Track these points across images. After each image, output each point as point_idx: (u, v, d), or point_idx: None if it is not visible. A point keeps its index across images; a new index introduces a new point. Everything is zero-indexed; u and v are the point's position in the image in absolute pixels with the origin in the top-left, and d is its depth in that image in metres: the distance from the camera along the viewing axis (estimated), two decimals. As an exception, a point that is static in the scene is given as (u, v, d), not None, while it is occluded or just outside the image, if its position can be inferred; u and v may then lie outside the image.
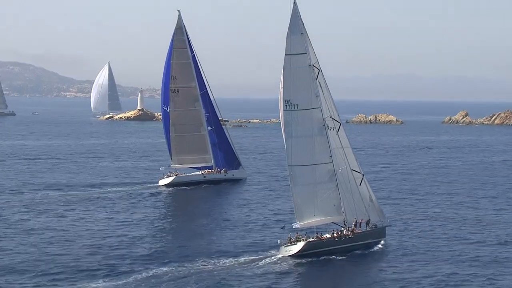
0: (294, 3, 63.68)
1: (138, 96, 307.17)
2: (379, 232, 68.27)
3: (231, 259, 62.03)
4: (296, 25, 63.59)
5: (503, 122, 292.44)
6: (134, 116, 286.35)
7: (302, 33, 63.81)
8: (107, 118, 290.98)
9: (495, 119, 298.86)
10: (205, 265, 60.13)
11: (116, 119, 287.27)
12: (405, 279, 57.70)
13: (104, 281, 55.86)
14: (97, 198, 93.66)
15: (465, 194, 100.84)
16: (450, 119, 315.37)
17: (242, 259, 61.99)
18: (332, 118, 65.35)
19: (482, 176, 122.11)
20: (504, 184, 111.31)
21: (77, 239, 69.50)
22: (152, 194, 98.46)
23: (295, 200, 65.44)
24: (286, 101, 63.67)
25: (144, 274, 57.59)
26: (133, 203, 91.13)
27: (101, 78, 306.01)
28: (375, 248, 66.62)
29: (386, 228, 69.65)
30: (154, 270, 58.61)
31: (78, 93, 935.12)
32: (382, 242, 68.02)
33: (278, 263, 61.23)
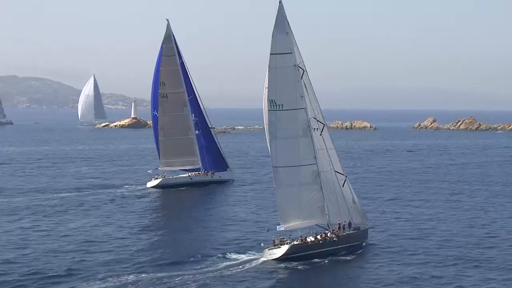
0: (280, 2, 56.12)
1: (132, 105, 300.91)
2: (362, 234, 60.82)
3: (214, 263, 54.29)
4: (281, 25, 56.09)
5: (467, 128, 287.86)
6: (128, 124, 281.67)
7: (287, 33, 56.33)
8: (103, 126, 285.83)
9: (460, 124, 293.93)
10: (187, 270, 52.34)
11: (111, 127, 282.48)
12: (388, 280, 50.70)
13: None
14: (86, 200, 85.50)
15: (444, 193, 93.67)
16: (419, 125, 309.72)
17: (225, 263, 54.28)
18: (316, 119, 57.81)
19: (458, 176, 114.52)
20: (484, 184, 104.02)
21: (59, 243, 61.62)
22: (139, 196, 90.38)
23: (279, 202, 57.90)
24: (271, 101, 56.06)
25: (125, 279, 49.86)
26: (119, 204, 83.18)
27: (87, 89, 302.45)
28: (359, 251, 59.12)
29: (369, 230, 62.13)
30: (134, 275, 50.79)
31: None
32: (364, 244, 60.63)
33: (262, 267, 53.56)
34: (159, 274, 50.87)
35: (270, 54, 55.60)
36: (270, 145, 57.04)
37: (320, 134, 58.23)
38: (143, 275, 50.60)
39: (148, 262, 54.65)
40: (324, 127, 58.48)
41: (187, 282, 49.00)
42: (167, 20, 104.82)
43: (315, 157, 57.58)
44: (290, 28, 56.27)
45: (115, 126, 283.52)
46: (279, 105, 56.01)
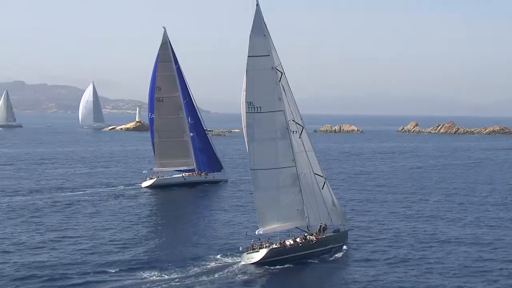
0: (257, 5, 50.09)
1: (136, 110, 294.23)
2: (341, 237, 54.78)
3: (191, 267, 48.02)
4: (259, 27, 50.14)
5: (446, 131, 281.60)
6: (133, 127, 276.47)
7: (265, 35, 50.40)
8: (110, 129, 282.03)
9: (440, 128, 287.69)
10: (162, 274, 46.31)
11: (117, 130, 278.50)
12: (368, 282, 45.07)
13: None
14: (78, 200, 79.48)
15: (422, 195, 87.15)
16: (403, 128, 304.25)
17: (203, 268, 48.04)
18: (295, 122, 51.78)
19: (435, 177, 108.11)
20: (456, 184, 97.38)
21: (48, 243, 55.55)
22: (132, 196, 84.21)
23: (258, 205, 51.82)
24: (249, 103, 50.08)
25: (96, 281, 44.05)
26: (112, 204, 77.14)
27: (87, 95, 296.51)
28: (338, 253, 53.03)
29: (349, 232, 56.11)
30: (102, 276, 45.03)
31: (113, 110, 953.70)
32: (344, 246, 54.52)
33: (240, 272, 47.47)
34: (130, 280, 45.01)
35: (248, 56, 49.68)
36: (248, 147, 51.08)
37: (299, 137, 52.15)
38: (112, 277, 45.08)
39: (121, 264, 48.78)
40: (303, 130, 52.37)
41: None
42: (163, 28, 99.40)
43: (293, 160, 51.57)
44: (268, 30, 50.28)
45: (121, 129, 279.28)
46: (257, 107, 50.04)
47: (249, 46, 49.50)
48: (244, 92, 50.08)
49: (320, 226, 52.91)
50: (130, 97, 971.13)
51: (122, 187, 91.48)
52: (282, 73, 50.80)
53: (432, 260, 51.09)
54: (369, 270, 48.27)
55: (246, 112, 50.14)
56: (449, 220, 68.47)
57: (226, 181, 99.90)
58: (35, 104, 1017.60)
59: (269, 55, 50.16)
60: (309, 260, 50.17)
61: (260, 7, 49.93)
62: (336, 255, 52.17)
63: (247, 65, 49.57)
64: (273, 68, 50.38)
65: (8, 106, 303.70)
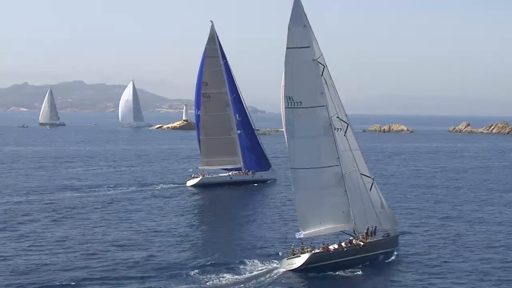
0: (296, -6, 46.76)
1: (183, 109, 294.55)
2: (391, 241, 50.89)
3: (229, 273, 45.00)
4: (298, 17, 46.77)
5: (499, 132, 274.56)
6: (179, 126, 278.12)
7: (305, 26, 46.96)
8: (157, 128, 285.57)
9: (492, 128, 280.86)
10: (195, 281, 43.47)
11: (164, 129, 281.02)
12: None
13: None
14: (124, 198, 78.49)
15: (476, 199, 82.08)
16: (454, 128, 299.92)
17: (241, 274, 44.83)
18: (339, 118, 48.20)
19: (490, 181, 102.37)
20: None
21: (90, 244, 54.09)
22: (176, 195, 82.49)
23: (299, 207, 48.50)
24: (288, 98, 46.85)
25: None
26: (154, 203, 75.69)
27: (126, 94, 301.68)
28: (388, 260, 49.20)
29: (399, 236, 52.19)
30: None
31: (169, 109, 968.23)
32: (395, 252, 50.57)
33: (279, 279, 44.19)
34: (162, 282, 42.83)
35: (287, 48, 46.40)
36: (288, 145, 47.90)
37: (344, 135, 48.64)
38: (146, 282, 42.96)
39: (155, 267, 46.63)
40: (348, 127, 48.81)
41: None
42: (211, 21, 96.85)
43: (338, 158, 48.15)
44: (308, 21, 46.96)
45: (167, 127, 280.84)
46: (297, 103, 46.77)
47: (287, 38, 46.21)
48: (283, 88, 47.02)
49: (368, 229, 49.38)
50: (187, 97, 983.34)
51: (167, 185, 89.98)
52: (324, 66, 47.38)
53: (492, 269, 46.96)
54: (423, 279, 44.39)
55: (285, 108, 46.96)
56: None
57: (274, 180, 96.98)
58: (94, 103, 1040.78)
59: (309, 47, 46.80)
60: (355, 267, 46.49)
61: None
62: (386, 262, 48.44)
63: (285, 57, 46.33)
64: (314, 60, 47.06)
65: (52, 105, 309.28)
